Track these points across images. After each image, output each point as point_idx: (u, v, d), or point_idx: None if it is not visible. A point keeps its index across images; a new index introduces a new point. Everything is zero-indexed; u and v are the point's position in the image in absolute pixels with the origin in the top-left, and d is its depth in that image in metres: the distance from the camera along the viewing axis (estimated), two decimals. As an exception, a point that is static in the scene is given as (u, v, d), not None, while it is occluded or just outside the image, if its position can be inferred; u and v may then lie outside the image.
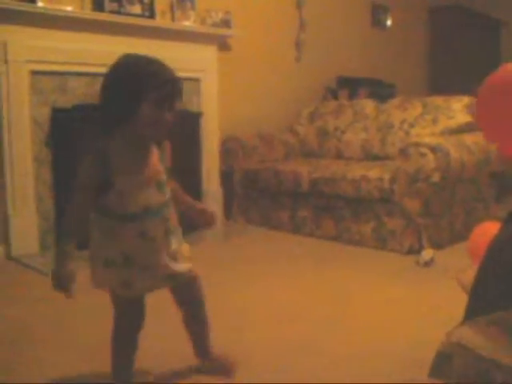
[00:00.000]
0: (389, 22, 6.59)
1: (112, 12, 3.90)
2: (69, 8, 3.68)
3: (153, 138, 1.69)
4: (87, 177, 1.61)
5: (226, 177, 4.69)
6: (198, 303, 1.94)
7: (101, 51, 3.78)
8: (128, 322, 1.82)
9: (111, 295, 1.77)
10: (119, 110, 1.59)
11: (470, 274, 1.59)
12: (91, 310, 2.53)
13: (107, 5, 3.88)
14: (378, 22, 6.46)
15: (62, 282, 1.59)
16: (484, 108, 1.50)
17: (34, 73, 3.61)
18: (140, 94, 1.57)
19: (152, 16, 4.15)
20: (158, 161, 1.72)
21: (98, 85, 1.67)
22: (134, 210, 1.65)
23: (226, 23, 4.65)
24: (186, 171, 4.19)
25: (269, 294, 2.88)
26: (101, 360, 1.93)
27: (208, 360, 2.00)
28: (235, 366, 1.99)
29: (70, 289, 1.60)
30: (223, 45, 4.75)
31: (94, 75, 3.75)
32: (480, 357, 1.02)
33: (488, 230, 2.26)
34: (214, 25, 4.59)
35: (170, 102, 1.61)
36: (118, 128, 1.63)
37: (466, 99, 4.25)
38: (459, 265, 2.42)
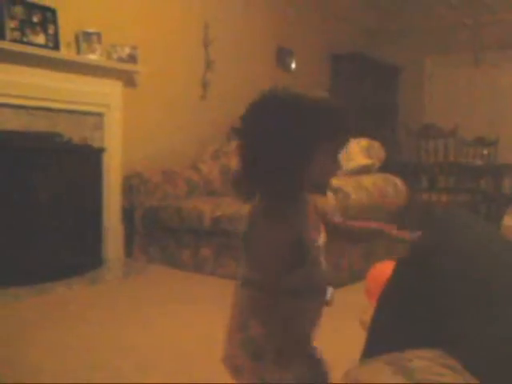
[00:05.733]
0: (293, 65, 6.77)
1: (13, 41, 3.79)
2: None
3: (319, 191, 1.39)
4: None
5: (127, 214, 4.60)
6: None
7: (1, 81, 3.67)
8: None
9: None
10: (292, 163, 1.26)
11: (370, 313, 1.63)
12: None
13: (9, 33, 3.76)
14: (282, 64, 6.63)
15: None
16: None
17: None
18: (315, 143, 1.27)
19: (56, 47, 4.06)
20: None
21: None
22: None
23: (132, 59, 4.62)
24: (86, 207, 4.09)
25: (171, 333, 2.83)
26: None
27: None
28: None
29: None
30: (129, 81, 4.71)
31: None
32: (376, 397, 1.03)
33: (384, 270, 2.33)
34: (120, 60, 4.54)
35: (341, 149, 1.33)
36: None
37: (364, 142, 4.41)
38: (359, 303, 2.46)
